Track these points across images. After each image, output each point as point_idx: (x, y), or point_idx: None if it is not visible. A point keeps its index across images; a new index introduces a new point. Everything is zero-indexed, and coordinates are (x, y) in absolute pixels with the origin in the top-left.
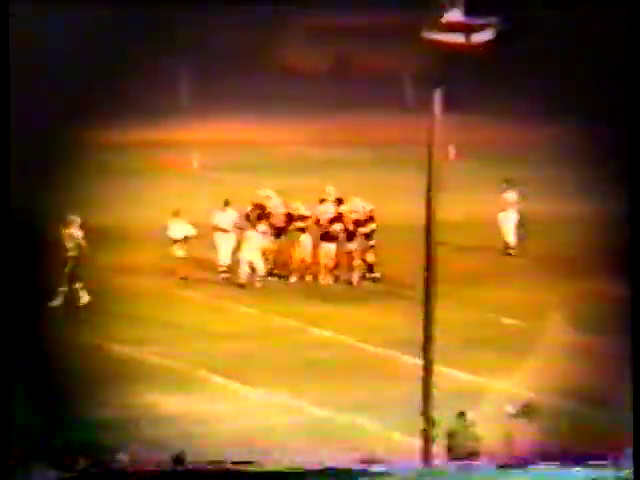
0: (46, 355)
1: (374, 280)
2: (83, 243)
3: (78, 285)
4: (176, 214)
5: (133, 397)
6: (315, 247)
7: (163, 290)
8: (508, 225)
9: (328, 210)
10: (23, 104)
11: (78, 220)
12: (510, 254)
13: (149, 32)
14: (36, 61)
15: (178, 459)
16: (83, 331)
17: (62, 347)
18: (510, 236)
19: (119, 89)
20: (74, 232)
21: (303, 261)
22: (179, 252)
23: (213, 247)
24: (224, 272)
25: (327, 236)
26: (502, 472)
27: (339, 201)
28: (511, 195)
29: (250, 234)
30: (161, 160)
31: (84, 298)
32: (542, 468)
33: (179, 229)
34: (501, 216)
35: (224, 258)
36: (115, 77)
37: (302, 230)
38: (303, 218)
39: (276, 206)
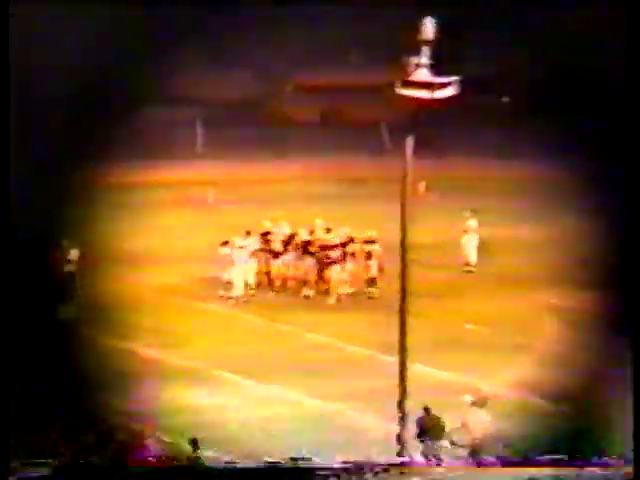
0: (79, 356)
1: (370, 297)
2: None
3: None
4: (224, 243)
5: (157, 392)
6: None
7: (184, 304)
8: (470, 247)
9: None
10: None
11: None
12: (471, 271)
13: (164, 84)
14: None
15: (194, 443)
16: (115, 336)
17: (96, 349)
18: (471, 256)
19: (138, 136)
20: (71, 253)
21: (293, 278)
22: (225, 275)
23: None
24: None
25: (330, 259)
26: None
27: (327, 230)
28: (473, 222)
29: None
30: (179, 196)
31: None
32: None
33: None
34: (464, 239)
35: (237, 279)
36: (130, 124)
37: (309, 253)
38: (307, 243)
39: (277, 233)
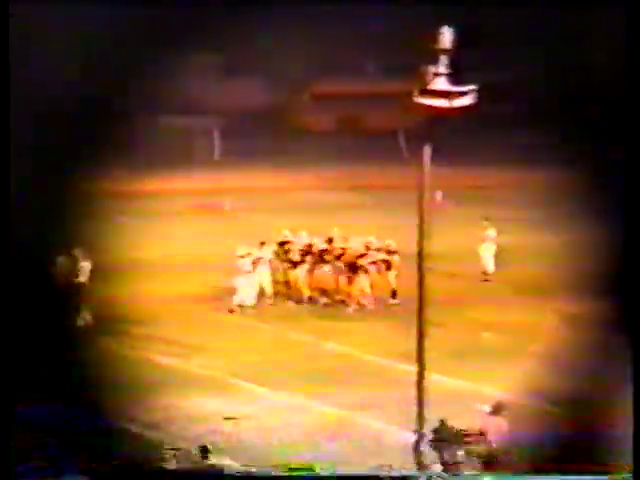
0: (99, 366)
1: (397, 305)
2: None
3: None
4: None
5: (176, 399)
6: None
7: (201, 312)
8: (487, 256)
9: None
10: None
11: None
12: (487, 280)
13: (181, 93)
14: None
15: (204, 450)
16: (134, 346)
17: (115, 359)
18: (489, 265)
19: (155, 145)
20: (82, 264)
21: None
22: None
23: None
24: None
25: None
26: None
27: (344, 239)
28: (491, 231)
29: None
30: (196, 205)
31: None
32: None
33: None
34: (481, 248)
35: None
36: (148, 133)
37: (325, 262)
38: (323, 252)
39: (296, 243)
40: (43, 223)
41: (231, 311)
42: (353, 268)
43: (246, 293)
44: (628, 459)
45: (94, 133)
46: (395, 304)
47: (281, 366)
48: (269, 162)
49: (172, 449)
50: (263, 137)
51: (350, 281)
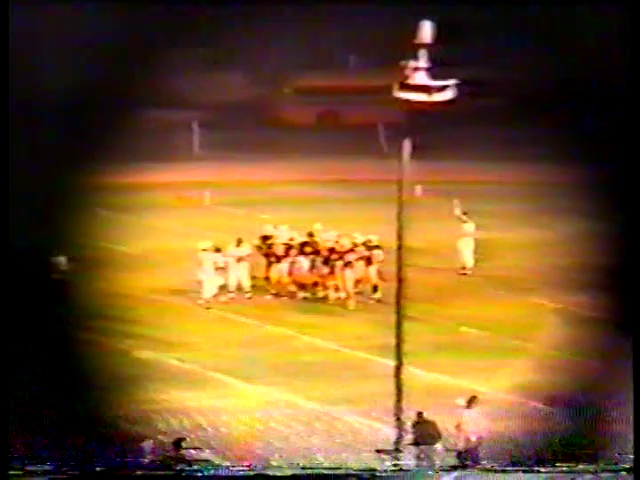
0: (80, 358)
1: (377, 300)
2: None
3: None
4: (217, 249)
5: (154, 394)
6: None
7: (181, 306)
8: (466, 250)
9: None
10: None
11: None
12: (465, 274)
13: (161, 86)
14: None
15: (177, 442)
16: (112, 339)
17: (94, 352)
18: (467, 260)
19: (135, 138)
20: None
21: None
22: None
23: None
24: (230, 292)
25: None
26: None
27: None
28: (469, 226)
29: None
30: (178, 198)
31: None
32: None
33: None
34: (460, 243)
35: (231, 283)
36: (127, 126)
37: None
38: (304, 246)
39: (277, 237)
40: (25, 217)
41: (208, 308)
42: (339, 263)
43: (210, 286)
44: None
45: (74, 127)
46: (375, 298)
47: (261, 360)
48: (250, 156)
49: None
50: (244, 131)
51: (332, 276)
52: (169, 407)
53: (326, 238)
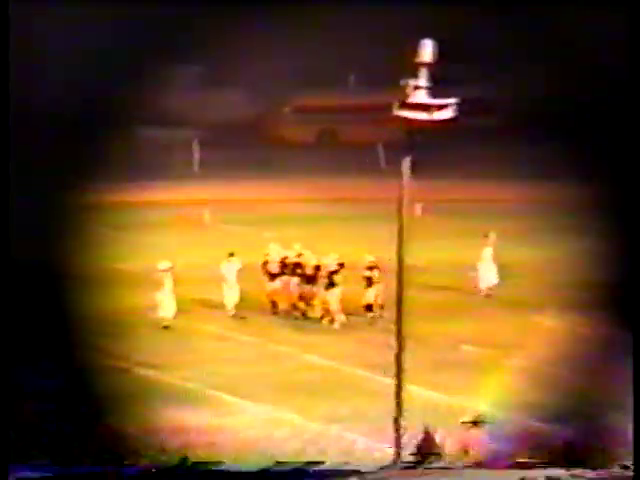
0: (80, 375)
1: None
2: None
3: None
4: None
5: (156, 411)
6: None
7: (181, 324)
8: (489, 272)
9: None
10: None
11: None
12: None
13: (162, 105)
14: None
15: (183, 462)
16: (110, 357)
17: (91, 370)
18: (490, 280)
19: (135, 156)
20: None
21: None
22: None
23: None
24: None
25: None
26: None
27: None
28: (489, 249)
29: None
30: (176, 216)
31: None
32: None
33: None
34: (480, 265)
35: (229, 299)
36: (127, 144)
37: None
38: (296, 265)
39: (272, 255)
40: (23, 233)
41: (166, 327)
42: (328, 282)
43: (166, 307)
44: None
45: (72, 144)
46: (376, 317)
47: (260, 378)
48: (249, 174)
49: None
50: (243, 149)
51: (329, 295)
52: (169, 425)
53: (309, 257)
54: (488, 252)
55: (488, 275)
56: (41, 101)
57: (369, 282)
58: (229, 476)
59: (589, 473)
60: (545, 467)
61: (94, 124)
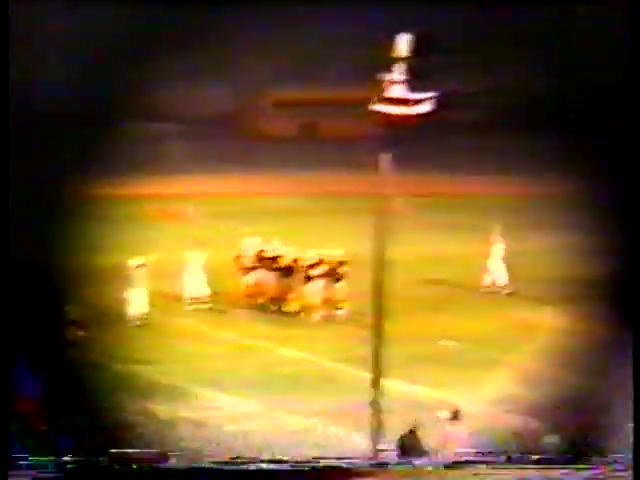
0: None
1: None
2: None
3: None
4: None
5: (132, 406)
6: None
7: (158, 319)
8: (499, 270)
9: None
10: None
11: None
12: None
13: (145, 99)
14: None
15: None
16: (94, 352)
17: (74, 365)
18: (503, 277)
19: (117, 150)
20: None
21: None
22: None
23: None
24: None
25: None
26: None
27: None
28: (500, 246)
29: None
30: (160, 210)
31: None
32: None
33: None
34: (490, 263)
35: (189, 290)
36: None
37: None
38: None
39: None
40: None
41: (138, 325)
42: (300, 277)
43: (138, 304)
44: None
45: (56, 139)
46: (341, 313)
47: (237, 372)
48: (230, 168)
49: None
50: (224, 143)
51: (308, 289)
52: (150, 420)
53: (287, 251)
54: (499, 249)
55: (501, 273)
56: (28, 94)
57: (337, 278)
58: (207, 472)
59: (587, 473)
60: (541, 466)
61: (76, 118)
